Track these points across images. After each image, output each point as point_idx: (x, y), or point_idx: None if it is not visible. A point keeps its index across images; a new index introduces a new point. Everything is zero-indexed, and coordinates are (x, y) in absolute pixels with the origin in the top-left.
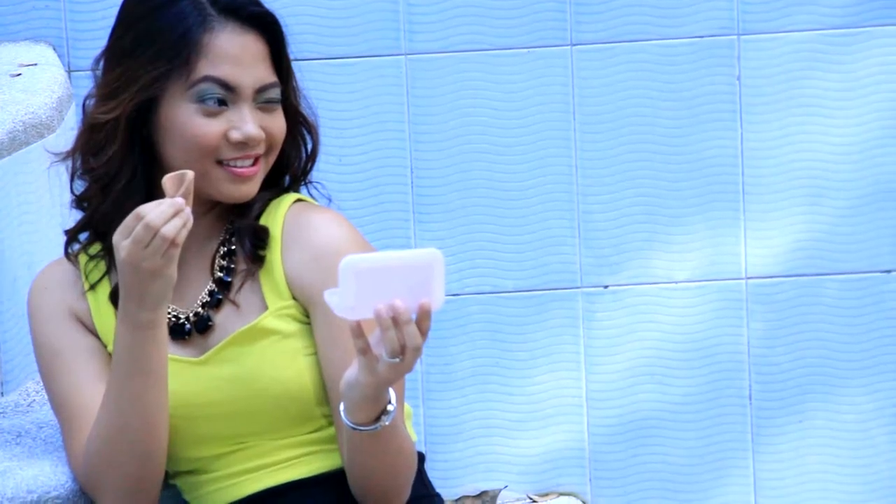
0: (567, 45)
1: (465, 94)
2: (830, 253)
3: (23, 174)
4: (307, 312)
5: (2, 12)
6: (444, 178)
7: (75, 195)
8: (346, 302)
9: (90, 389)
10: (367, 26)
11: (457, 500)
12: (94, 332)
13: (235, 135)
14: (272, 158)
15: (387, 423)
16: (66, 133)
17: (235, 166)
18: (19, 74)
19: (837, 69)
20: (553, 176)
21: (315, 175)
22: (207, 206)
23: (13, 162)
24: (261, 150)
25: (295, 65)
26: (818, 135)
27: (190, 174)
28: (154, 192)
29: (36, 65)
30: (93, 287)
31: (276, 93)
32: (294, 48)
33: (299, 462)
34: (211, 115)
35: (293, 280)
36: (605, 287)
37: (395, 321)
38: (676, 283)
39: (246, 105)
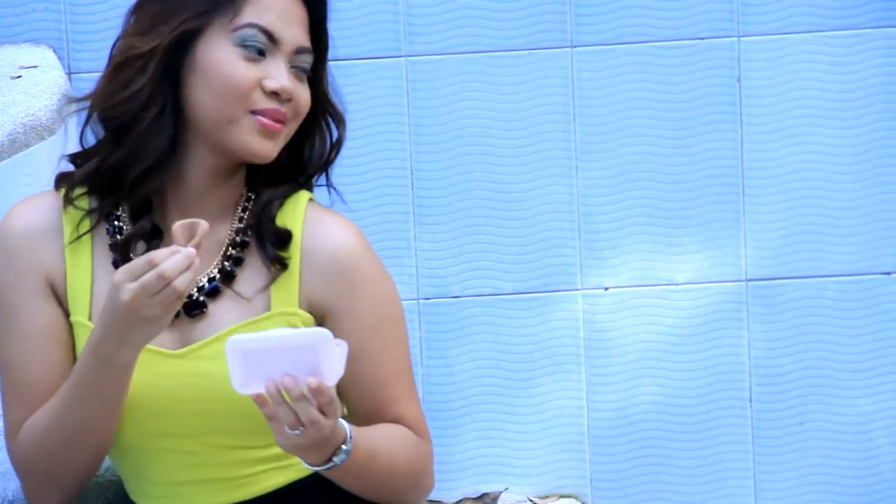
0: (567, 46)
1: (465, 95)
2: (831, 255)
3: (23, 176)
4: (314, 325)
5: (2, 14)
6: (444, 180)
7: (83, 147)
8: (236, 379)
9: (40, 363)
10: (367, 28)
11: (458, 503)
12: (61, 296)
13: (271, 83)
14: (293, 127)
15: (338, 463)
16: (65, 136)
17: (264, 118)
18: (19, 76)
19: (837, 71)
20: (553, 177)
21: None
22: (223, 176)
23: (13, 164)
24: (289, 110)
25: None
26: (818, 136)
27: (203, 224)
28: (179, 144)
29: (36, 67)
30: (73, 243)
31: (309, 60)
32: None
33: (257, 479)
34: (250, 60)
35: (309, 291)
36: (606, 289)
37: (286, 397)
38: (677, 285)
39: (283, 60)
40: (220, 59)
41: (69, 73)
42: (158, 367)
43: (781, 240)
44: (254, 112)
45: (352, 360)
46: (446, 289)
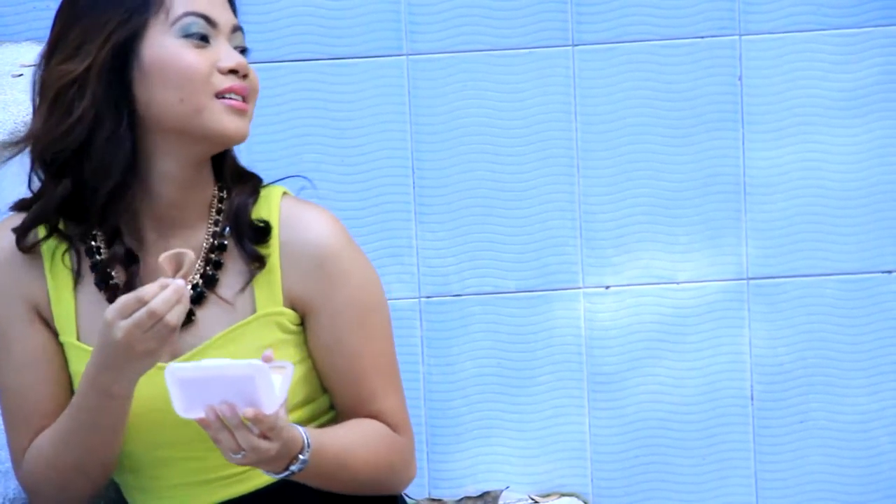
0: (568, 45)
1: (466, 94)
2: (832, 253)
3: (25, 174)
4: (299, 321)
5: (3, 13)
6: (445, 179)
7: (31, 191)
8: (177, 405)
9: (38, 387)
10: (368, 27)
11: (458, 501)
12: (48, 319)
13: (225, 62)
14: (253, 104)
15: (296, 471)
16: None
17: (231, 98)
18: (21, 75)
19: (839, 69)
20: (554, 176)
21: (317, 176)
22: (191, 179)
23: (14, 163)
24: (248, 85)
25: (297, 65)
26: (819, 135)
27: (190, 255)
28: (139, 158)
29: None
30: (53, 266)
31: (242, 38)
32: (296, 48)
33: (253, 474)
34: (198, 48)
35: (290, 286)
36: (607, 287)
37: (223, 424)
38: (678, 283)
39: (225, 42)
40: (170, 55)
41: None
42: (153, 379)
43: (782, 238)
44: (218, 95)
45: (330, 354)
46: (447, 287)
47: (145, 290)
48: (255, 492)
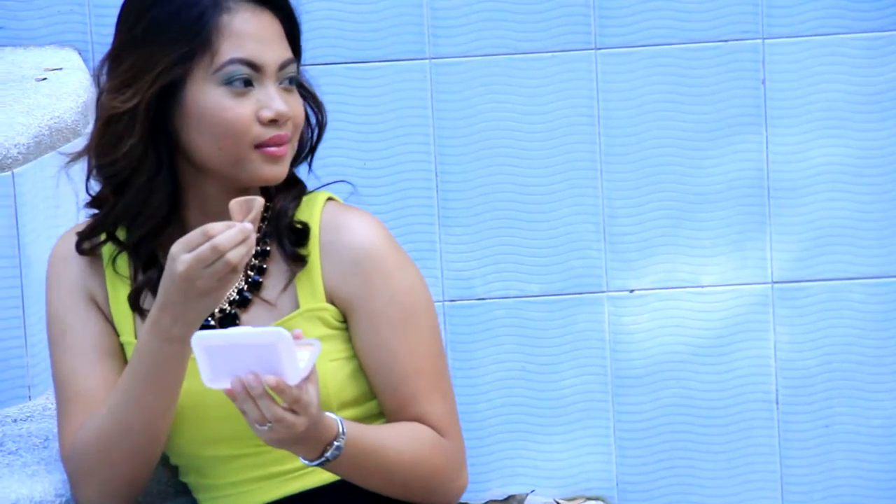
0: (591, 49)
1: (489, 98)
2: (856, 257)
3: (48, 178)
4: (342, 318)
5: (27, 17)
6: (468, 182)
7: (90, 195)
8: (204, 373)
9: (93, 374)
10: (391, 30)
11: None
12: (108, 318)
13: (266, 113)
14: (296, 140)
15: (331, 458)
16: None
17: (269, 147)
18: (45, 79)
19: (862, 73)
20: (578, 180)
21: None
22: (238, 194)
23: (39, 166)
24: (289, 129)
25: (320, 69)
26: (844, 138)
27: (259, 201)
28: (181, 190)
29: (61, 69)
30: (111, 268)
31: (294, 69)
32: (319, 52)
33: (313, 470)
34: (239, 95)
35: (331, 284)
36: (631, 291)
37: (249, 394)
38: (702, 287)
39: (271, 84)
40: (210, 105)
41: (94, 76)
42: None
43: (807, 242)
44: (258, 146)
45: (371, 356)
46: (471, 291)
47: (212, 226)
48: (315, 489)
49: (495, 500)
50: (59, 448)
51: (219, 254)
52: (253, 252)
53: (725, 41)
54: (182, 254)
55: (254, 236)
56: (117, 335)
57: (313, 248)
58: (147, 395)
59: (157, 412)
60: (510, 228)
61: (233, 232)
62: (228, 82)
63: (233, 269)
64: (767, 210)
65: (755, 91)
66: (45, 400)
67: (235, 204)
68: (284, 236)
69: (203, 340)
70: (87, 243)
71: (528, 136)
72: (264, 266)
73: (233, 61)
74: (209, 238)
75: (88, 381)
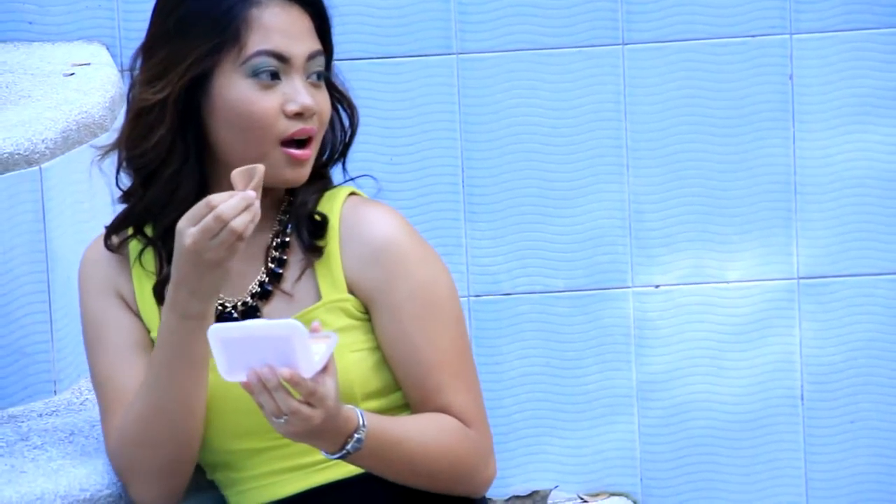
0: (618, 44)
1: (516, 93)
2: (883, 252)
3: (76, 173)
4: (364, 309)
5: (55, 12)
6: (495, 178)
7: (121, 189)
8: (220, 365)
9: (131, 371)
10: (418, 25)
11: (507, 500)
12: (136, 312)
13: (292, 107)
14: (321, 137)
15: (352, 451)
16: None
17: (293, 148)
18: (73, 74)
19: (890, 68)
20: (604, 175)
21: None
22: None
23: (67, 161)
24: (314, 124)
25: (346, 64)
26: (871, 133)
27: (261, 168)
28: (208, 183)
29: (89, 64)
30: (137, 267)
31: (322, 62)
32: (345, 48)
33: (338, 462)
34: (266, 88)
35: (352, 275)
36: (657, 286)
37: (264, 386)
38: (728, 282)
39: (298, 77)
40: (237, 97)
41: (122, 71)
42: None
43: (833, 238)
44: (283, 143)
45: (394, 348)
46: (497, 286)
47: (214, 197)
48: (341, 480)
49: (519, 496)
50: (105, 446)
51: (223, 223)
52: (258, 220)
53: (753, 36)
54: (188, 228)
55: (257, 203)
56: (147, 331)
57: (332, 240)
58: (175, 374)
59: (188, 389)
60: (536, 223)
61: (235, 200)
62: (255, 74)
63: (239, 237)
64: (793, 205)
65: (783, 86)
66: (71, 395)
67: (237, 174)
68: (304, 227)
69: (219, 333)
70: (115, 237)
71: (555, 132)
72: (284, 257)
73: (259, 53)
74: (212, 209)
75: (127, 378)
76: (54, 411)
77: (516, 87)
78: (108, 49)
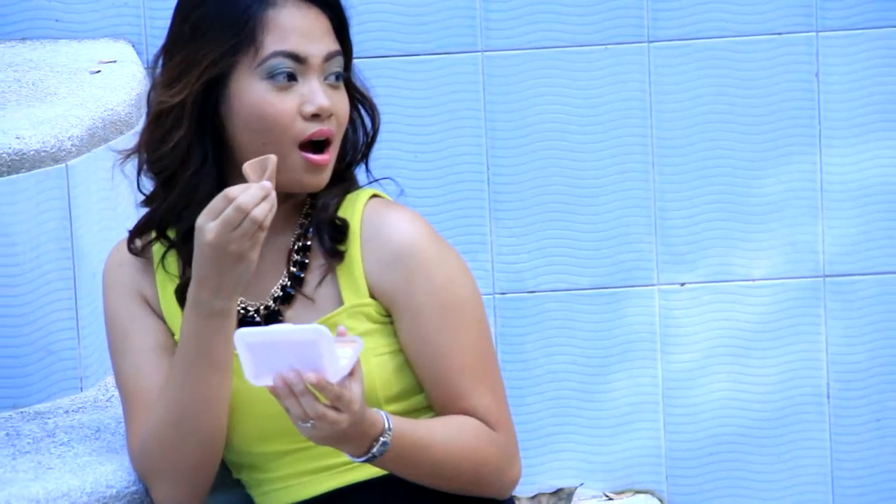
0: (644, 41)
1: (541, 91)
2: None
3: (102, 171)
4: (386, 312)
5: (82, 10)
6: (520, 176)
7: (143, 193)
8: (247, 370)
9: (155, 373)
10: (443, 23)
11: (532, 498)
12: (160, 315)
13: (309, 108)
14: (339, 140)
15: (378, 454)
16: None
17: (311, 152)
18: (98, 71)
19: None
20: (630, 173)
21: (390, 172)
22: (280, 198)
23: (92, 158)
24: (332, 125)
25: (370, 62)
26: None
27: (273, 158)
28: (226, 185)
29: (115, 62)
30: (161, 270)
31: (340, 63)
32: (370, 45)
33: (364, 464)
34: (282, 90)
35: (373, 280)
36: (682, 284)
37: (291, 391)
38: (754, 280)
39: (315, 78)
40: (253, 100)
41: (148, 69)
42: None
43: (859, 235)
44: (301, 146)
45: (416, 351)
46: (522, 284)
47: (231, 189)
48: (366, 481)
49: (544, 493)
50: (128, 448)
51: (244, 213)
52: (275, 209)
53: (779, 34)
54: (208, 222)
55: (274, 193)
56: (171, 334)
57: (353, 244)
58: (198, 375)
59: (211, 390)
60: (561, 221)
61: (253, 190)
62: (271, 76)
63: (260, 227)
64: (819, 203)
65: (809, 84)
66: (97, 392)
67: (249, 166)
68: (325, 232)
69: (245, 338)
70: (138, 241)
71: (580, 129)
72: (306, 261)
73: (275, 54)
74: (231, 201)
75: (150, 380)
76: (80, 408)
77: (541, 85)
78: (133, 47)
